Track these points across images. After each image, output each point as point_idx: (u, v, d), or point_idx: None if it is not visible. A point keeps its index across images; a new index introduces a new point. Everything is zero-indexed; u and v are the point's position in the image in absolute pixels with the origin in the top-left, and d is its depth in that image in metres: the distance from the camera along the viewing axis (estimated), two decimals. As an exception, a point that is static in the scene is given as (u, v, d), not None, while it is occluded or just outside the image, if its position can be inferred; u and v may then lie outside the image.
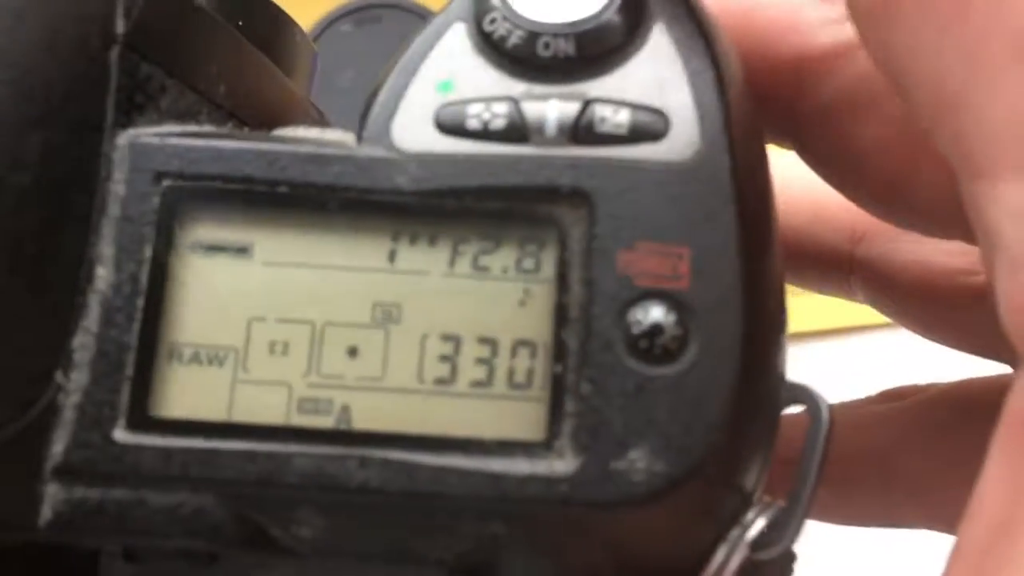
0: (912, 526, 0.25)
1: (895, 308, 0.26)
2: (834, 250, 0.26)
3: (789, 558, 0.16)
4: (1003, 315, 0.14)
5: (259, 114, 0.19)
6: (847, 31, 0.21)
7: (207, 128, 0.17)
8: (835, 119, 0.21)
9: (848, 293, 0.27)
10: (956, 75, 0.14)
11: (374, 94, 0.17)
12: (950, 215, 0.16)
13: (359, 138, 0.17)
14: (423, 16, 0.64)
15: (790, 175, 0.24)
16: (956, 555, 0.14)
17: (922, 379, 0.26)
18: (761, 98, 0.22)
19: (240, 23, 0.21)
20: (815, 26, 0.21)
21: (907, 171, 0.21)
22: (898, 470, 0.25)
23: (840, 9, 0.21)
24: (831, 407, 0.16)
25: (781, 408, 0.16)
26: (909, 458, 0.25)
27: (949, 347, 0.25)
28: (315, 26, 0.67)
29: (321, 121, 0.23)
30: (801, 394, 0.16)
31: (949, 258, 0.24)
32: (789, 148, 0.23)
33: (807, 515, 0.16)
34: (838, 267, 0.26)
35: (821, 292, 0.27)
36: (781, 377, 0.17)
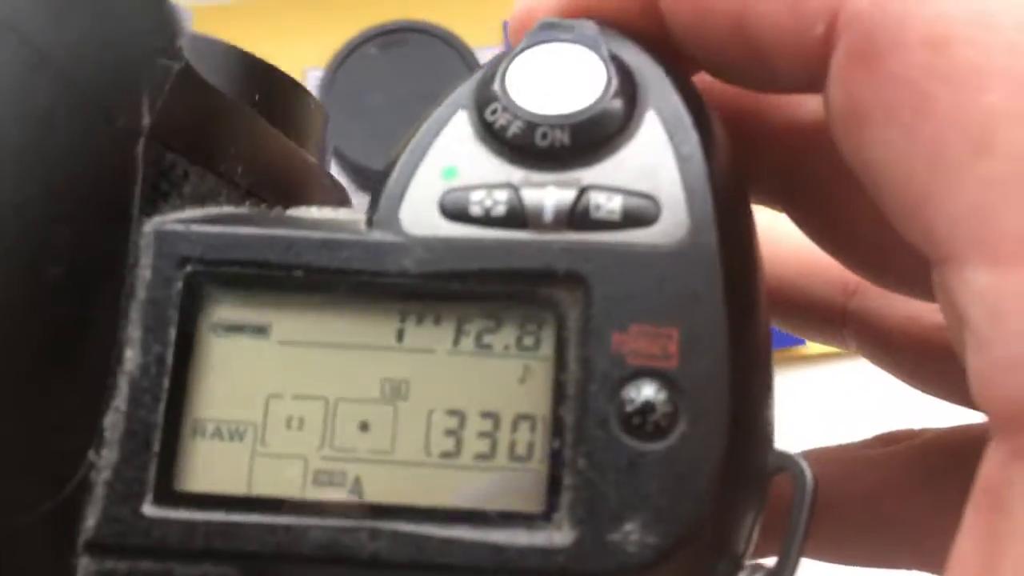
0: (903, 568, 0.26)
1: (888, 360, 0.27)
2: (828, 303, 0.27)
3: (778, 616, 0.17)
4: (974, 391, 0.15)
5: (275, 189, 0.21)
6: None
7: (227, 210, 0.19)
8: (826, 189, 0.22)
9: (842, 344, 0.28)
10: (922, 171, 0.15)
11: (385, 176, 0.18)
12: (929, 280, 0.17)
13: (369, 220, 0.18)
14: (447, 40, 0.65)
15: (785, 229, 0.25)
16: None
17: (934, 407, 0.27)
18: (756, 166, 0.23)
19: (256, 97, 0.22)
20: (804, 100, 0.22)
21: (894, 242, 0.22)
22: (889, 514, 0.26)
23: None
24: (815, 474, 0.17)
25: (768, 477, 0.17)
26: (900, 503, 0.26)
27: (942, 399, 0.25)
28: (342, 49, 0.68)
29: (334, 188, 0.24)
30: (787, 462, 0.17)
31: (940, 314, 0.25)
32: (785, 213, 0.24)
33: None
34: (832, 319, 0.27)
35: (815, 341, 0.28)
36: (768, 446, 0.18)
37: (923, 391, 0.27)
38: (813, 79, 0.17)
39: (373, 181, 0.18)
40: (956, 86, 0.14)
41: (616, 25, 0.19)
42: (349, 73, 0.68)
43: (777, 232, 0.26)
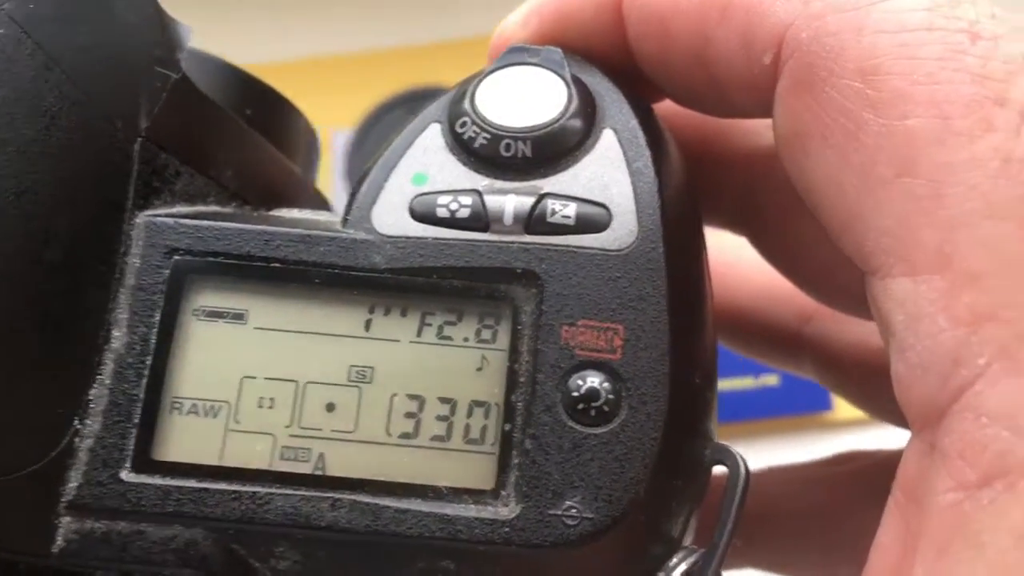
0: None
1: (838, 383, 0.28)
2: (785, 328, 0.28)
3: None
4: (896, 392, 0.16)
5: (261, 194, 0.22)
6: None
7: (214, 208, 0.20)
8: (778, 212, 0.24)
9: (798, 368, 0.29)
10: (853, 190, 0.16)
11: (360, 182, 0.20)
12: None
13: (344, 220, 0.19)
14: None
15: (744, 257, 0.26)
16: None
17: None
18: (714, 190, 0.24)
19: (248, 112, 0.24)
20: (763, 129, 0.24)
21: (840, 262, 0.23)
22: (839, 531, 0.27)
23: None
24: (748, 466, 0.18)
25: (706, 466, 0.19)
26: (849, 520, 0.27)
27: (884, 421, 0.27)
28: (372, 111, 0.71)
29: (317, 198, 0.26)
30: (723, 454, 0.19)
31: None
32: (741, 235, 0.25)
33: (724, 559, 0.18)
34: (788, 344, 0.29)
35: (773, 366, 0.30)
36: (708, 439, 0.19)
37: (866, 412, 0.28)
38: (765, 105, 0.18)
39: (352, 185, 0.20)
40: (883, 112, 0.16)
41: (581, 53, 0.20)
42: (378, 135, 0.71)
43: (737, 260, 0.28)
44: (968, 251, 0.15)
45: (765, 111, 0.19)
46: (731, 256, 0.28)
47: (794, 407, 0.63)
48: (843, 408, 0.63)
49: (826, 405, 0.63)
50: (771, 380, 0.64)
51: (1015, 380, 0.14)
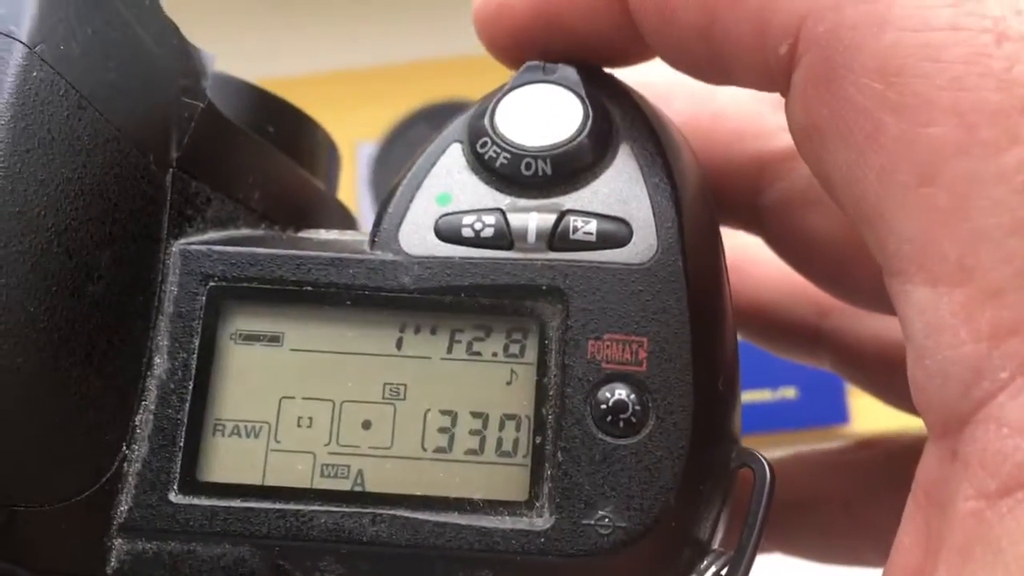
0: (875, 565, 0.28)
1: (857, 376, 0.29)
2: (803, 323, 0.29)
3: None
4: (914, 396, 0.17)
5: (287, 213, 0.23)
6: None
7: (244, 232, 0.21)
8: (790, 211, 0.24)
9: (817, 361, 0.30)
10: (872, 192, 0.16)
11: (386, 203, 0.20)
12: (886, 297, 0.18)
13: (372, 241, 0.20)
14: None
15: (763, 255, 0.27)
16: None
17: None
18: (728, 192, 0.25)
19: (270, 129, 0.24)
20: (773, 131, 0.24)
21: (851, 258, 0.23)
22: (862, 515, 0.28)
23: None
24: (773, 469, 0.19)
25: (733, 471, 0.19)
26: (873, 505, 0.28)
27: (903, 411, 0.27)
28: (395, 125, 0.71)
29: (340, 210, 0.26)
30: (749, 458, 0.19)
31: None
32: (756, 235, 0.26)
33: (753, 562, 0.18)
34: (807, 338, 0.29)
35: (792, 360, 0.30)
36: (733, 443, 0.19)
37: (888, 404, 0.28)
38: (772, 86, 0.18)
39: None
40: (905, 116, 0.15)
41: (595, 67, 0.21)
42: (402, 147, 0.72)
43: (757, 258, 0.28)
44: (991, 266, 0.15)
45: (771, 89, 0.18)
46: (750, 253, 0.28)
47: (811, 420, 0.64)
48: (860, 421, 0.63)
49: (843, 418, 0.64)
50: (789, 393, 0.64)
51: None
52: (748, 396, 0.62)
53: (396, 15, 0.79)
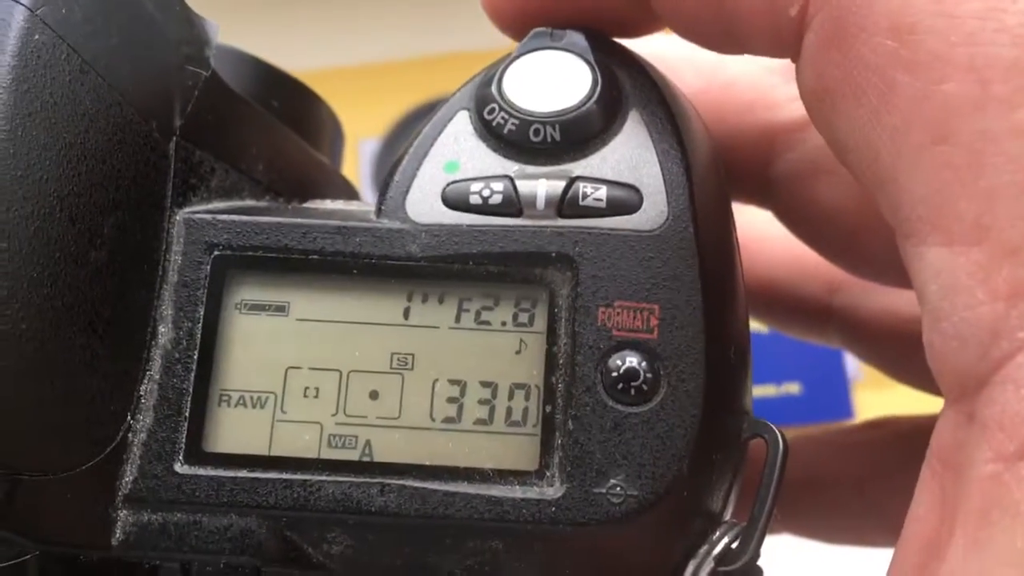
0: (882, 546, 0.28)
1: (867, 352, 0.29)
2: (813, 299, 0.29)
3: (755, 572, 0.19)
4: (929, 360, 0.16)
5: (292, 185, 0.22)
6: None
7: (249, 202, 0.20)
8: (800, 183, 0.24)
9: (826, 339, 0.29)
10: (886, 153, 0.16)
11: (392, 172, 0.20)
12: (900, 268, 0.18)
13: (379, 210, 0.19)
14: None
15: (773, 232, 0.27)
16: (893, 570, 0.16)
17: None
18: (738, 164, 0.24)
19: (275, 103, 0.24)
20: (782, 102, 0.24)
21: (862, 228, 0.23)
22: (871, 496, 0.28)
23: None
24: (786, 440, 0.19)
25: (744, 440, 0.19)
26: (881, 485, 0.27)
27: (914, 388, 0.27)
28: (397, 121, 0.71)
29: (345, 185, 0.26)
30: (761, 428, 0.19)
31: (915, 307, 0.27)
32: (766, 208, 0.26)
33: (765, 533, 0.18)
34: (816, 315, 0.29)
35: (801, 337, 0.30)
36: (744, 414, 0.19)
37: (897, 379, 0.28)
38: (784, 52, 0.18)
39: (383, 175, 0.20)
40: (919, 74, 0.15)
41: (603, 34, 0.21)
42: (403, 143, 0.72)
43: (765, 235, 0.28)
44: (1007, 224, 0.14)
45: (782, 55, 0.18)
46: (759, 230, 0.28)
47: (816, 415, 0.63)
48: (864, 415, 0.63)
49: (847, 413, 0.64)
50: (793, 388, 0.64)
51: None
52: (752, 391, 0.62)
53: (398, 11, 0.79)
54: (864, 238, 0.23)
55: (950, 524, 0.15)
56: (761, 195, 0.25)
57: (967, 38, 0.15)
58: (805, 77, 0.17)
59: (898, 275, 0.22)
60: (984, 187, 0.15)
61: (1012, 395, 0.14)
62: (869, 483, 0.28)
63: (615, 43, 0.21)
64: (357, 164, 0.76)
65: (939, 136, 0.15)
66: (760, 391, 0.63)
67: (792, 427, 0.63)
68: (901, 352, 0.27)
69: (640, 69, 0.20)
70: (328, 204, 0.21)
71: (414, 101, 0.74)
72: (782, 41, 0.17)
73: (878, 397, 0.30)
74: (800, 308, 0.29)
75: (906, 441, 0.28)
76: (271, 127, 0.22)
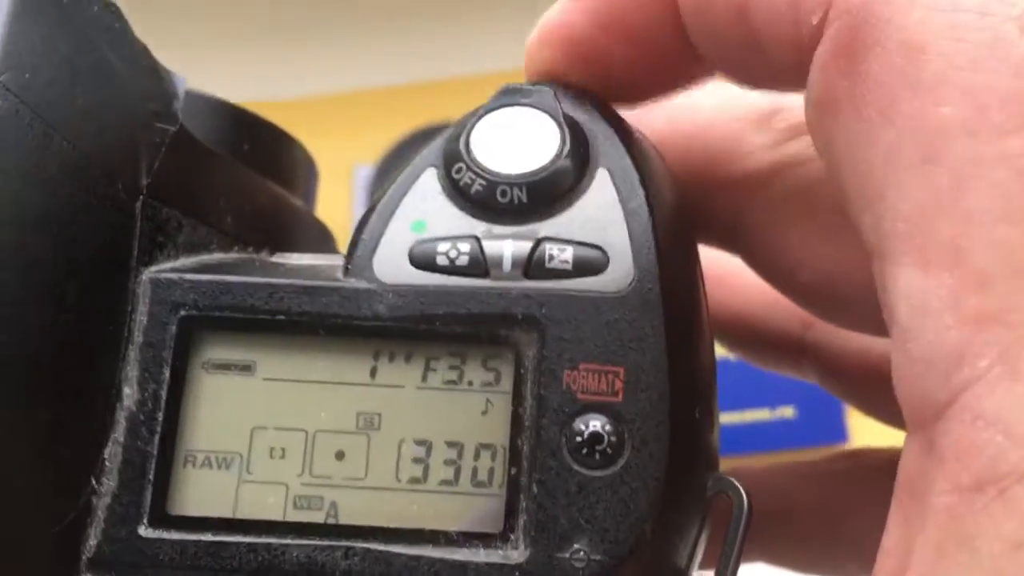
0: None
1: (841, 388, 0.29)
2: (787, 335, 0.29)
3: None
4: (895, 383, 0.16)
5: (261, 235, 0.22)
6: (781, 153, 0.24)
7: (217, 256, 0.20)
8: (770, 231, 0.24)
9: (802, 374, 0.30)
10: (879, 170, 0.16)
11: (360, 229, 0.20)
12: (873, 318, 0.17)
13: (346, 268, 0.19)
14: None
15: (746, 266, 0.27)
16: None
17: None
18: (707, 212, 0.24)
19: (245, 147, 0.24)
20: (753, 151, 0.24)
21: (835, 277, 0.23)
22: (845, 527, 0.28)
23: (775, 135, 0.24)
24: (750, 497, 0.19)
25: (709, 498, 0.19)
26: (856, 517, 0.28)
27: (887, 424, 0.27)
28: (392, 147, 0.71)
29: (318, 228, 0.26)
30: (726, 485, 0.19)
31: (887, 345, 0.27)
32: (736, 255, 0.26)
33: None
34: (791, 350, 0.29)
35: (777, 372, 0.30)
36: (709, 471, 0.19)
37: (870, 415, 0.28)
38: (804, 70, 0.17)
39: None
40: (920, 93, 0.15)
41: (572, 86, 0.21)
42: (396, 170, 0.72)
43: (740, 269, 0.28)
44: (983, 248, 0.14)
45: (802, 74, 0.18)
46: (733, 263, 0.28)
47: (810, 439, 0.63)
48: (859, 440, 0.64)
49: (841, 437, 0.64)
50: (787, 412, 0.64)
51: (1014, 385, 0.14)
52: (746, 416, 0.62)
53: (393, 37, 0.79)
54: (837, 288, 0.23)
55: (910, 556, 0.15)
56: (731, 242, 0.25)
57: (972, 64, 0.15)
58: (811, 86, 0.17)
59: (871, 323, 0.22)
60: (963, 210, 0.15)
61: (968, 426, 0.14)
62: (842, 514, 0.28)
63: (585, 97, 0.21)
64: (351, 190, 0.76)
65: (928, 156, 0.15)
66: (754, 415, 0.63)
67: (786, 451, 0.63)
68: (873, 388, 0.28)
69: (609, 126, 0.20)
70: (294, 259, 0.21)
71: (409, 127, 0.74)
72: (801, 54, 0.17)
73: (873, 422, 0.30)
74: (775, 343, 0.29)
75: (880, 474, 0.28)
76: (240, 176, 0.22)
